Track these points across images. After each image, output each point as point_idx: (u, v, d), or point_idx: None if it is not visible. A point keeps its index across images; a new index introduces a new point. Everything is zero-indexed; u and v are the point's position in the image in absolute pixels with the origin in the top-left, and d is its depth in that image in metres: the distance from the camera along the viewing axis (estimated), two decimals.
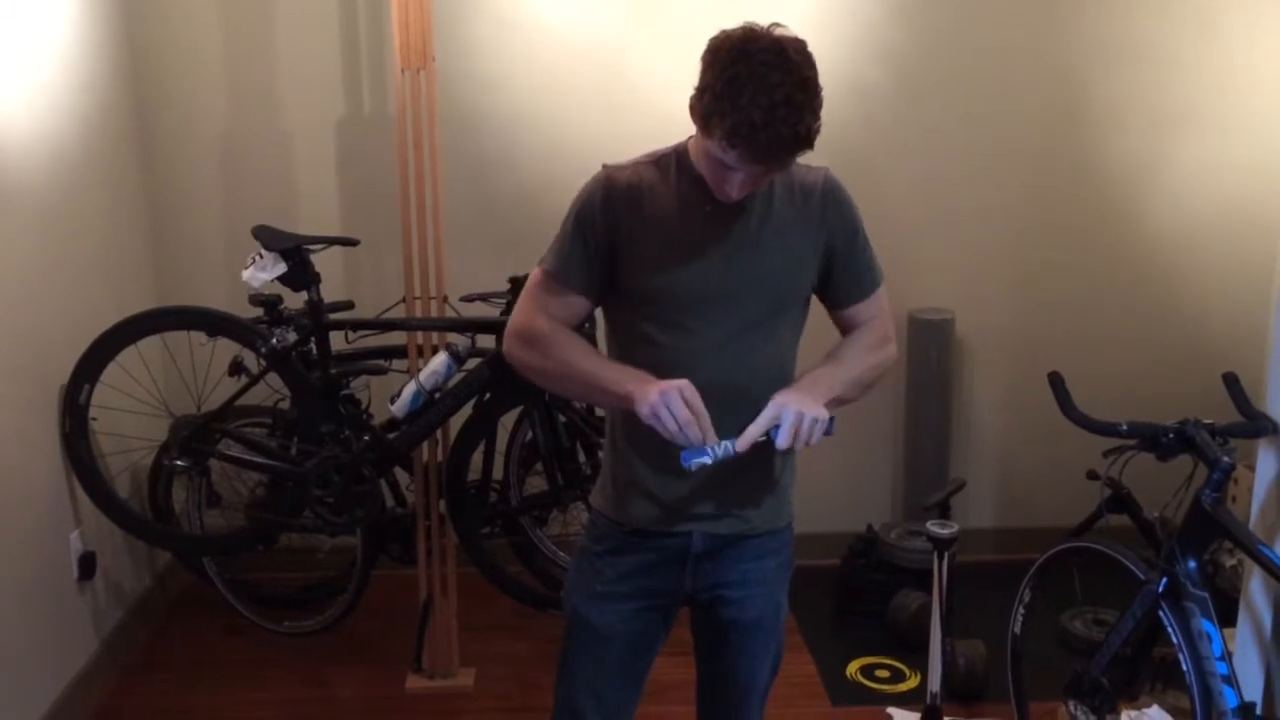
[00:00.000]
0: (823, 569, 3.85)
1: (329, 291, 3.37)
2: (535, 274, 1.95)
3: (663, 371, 1.89)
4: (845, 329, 2.03)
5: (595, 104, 3.72)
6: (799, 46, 1.72)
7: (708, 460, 1.79)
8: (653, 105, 3.60)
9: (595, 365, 1.89)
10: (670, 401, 1.75)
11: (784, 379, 1.97)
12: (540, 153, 3.74)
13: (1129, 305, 4.02)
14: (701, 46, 1.76)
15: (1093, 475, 3.72)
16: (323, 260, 3.24)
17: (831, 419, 1.83)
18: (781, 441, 1.80)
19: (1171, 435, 2.45)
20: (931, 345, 3.87)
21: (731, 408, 1.88)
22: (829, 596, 3.80)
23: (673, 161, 1.90)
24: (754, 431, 1.81)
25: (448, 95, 3.52)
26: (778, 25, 1.74)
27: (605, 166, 1.92)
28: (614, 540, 2.01)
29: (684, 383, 1.78)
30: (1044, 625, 3.32)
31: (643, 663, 2.07)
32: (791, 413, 1.79)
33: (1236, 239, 3.97)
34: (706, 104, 1.71)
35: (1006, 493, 4.17)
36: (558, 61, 3.70)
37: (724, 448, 1.81)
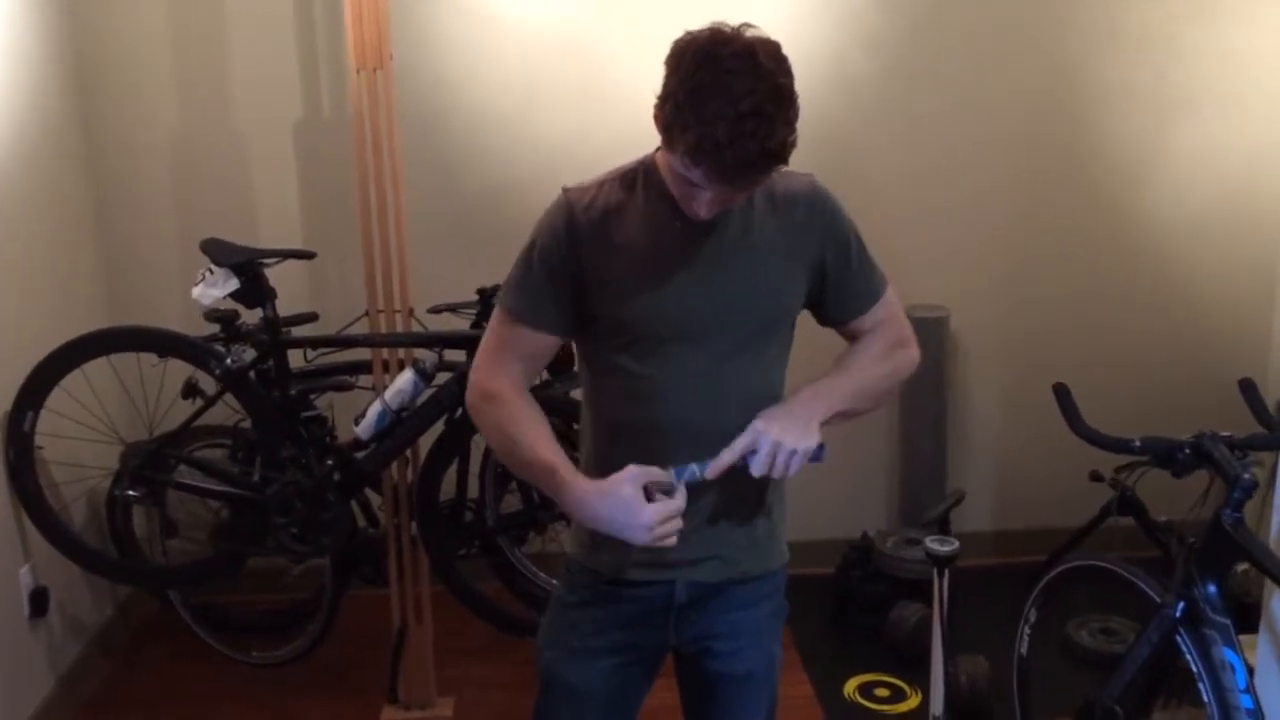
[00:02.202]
0: (816, 578, 3.70)
1: (292, 303, 3.20)
2: (497, 315, 1.78)
3: (640, 403, 1.74)
4: (852, 338, 1.86)
5: (565, 99, 3.53)
6: (772, 50, 1.53)
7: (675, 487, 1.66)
8: (625, 99, 3.41)
9: (531, 455, 1.71)
10: (654, 521, 1.62)
11: (771, 405, 1.80)
12: (508, 150, 3.55)
13: (1129, 296, 3.86)
14: (677, 36, 1.59)
15: (1095, 476, 3.58)
16: (285, 270, 3.07)
17: (821, 446, 1.69)
18: (755, 469, 1.66)
19: (1188, 450, 2.29)
20: (926, 344, 3.66)
21: (714, 440, 1.71)
22: (823, 607, 3.64)
23: (639, 176, 1.72)
24: (726, 458, 1.67)
25: (409, 93, 3.33)
26: (749, 26, 1.55)
27: (565, 190, 1.74)
28: (590, 591, 1.84)
29: (633, 476, 1.63)
30: (1048, 635, 3.17)
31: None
32: (768, 441, 1.64)
33: (1239, 227, 3.82)
34: (668, 115, 1.53)
35: (1006, 494, 4.01)
36: (525, 55, 3.50)
37: (689, 472, 1.67)
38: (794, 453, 1.65)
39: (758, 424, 1.66)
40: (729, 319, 1.72)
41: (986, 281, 3.82)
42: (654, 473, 1.65)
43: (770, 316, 1.76)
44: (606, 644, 1.83)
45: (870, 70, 3.61)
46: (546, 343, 1.76)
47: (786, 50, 1.55)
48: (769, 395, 1.79)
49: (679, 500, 1.64)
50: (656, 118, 1.58)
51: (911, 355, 1.87)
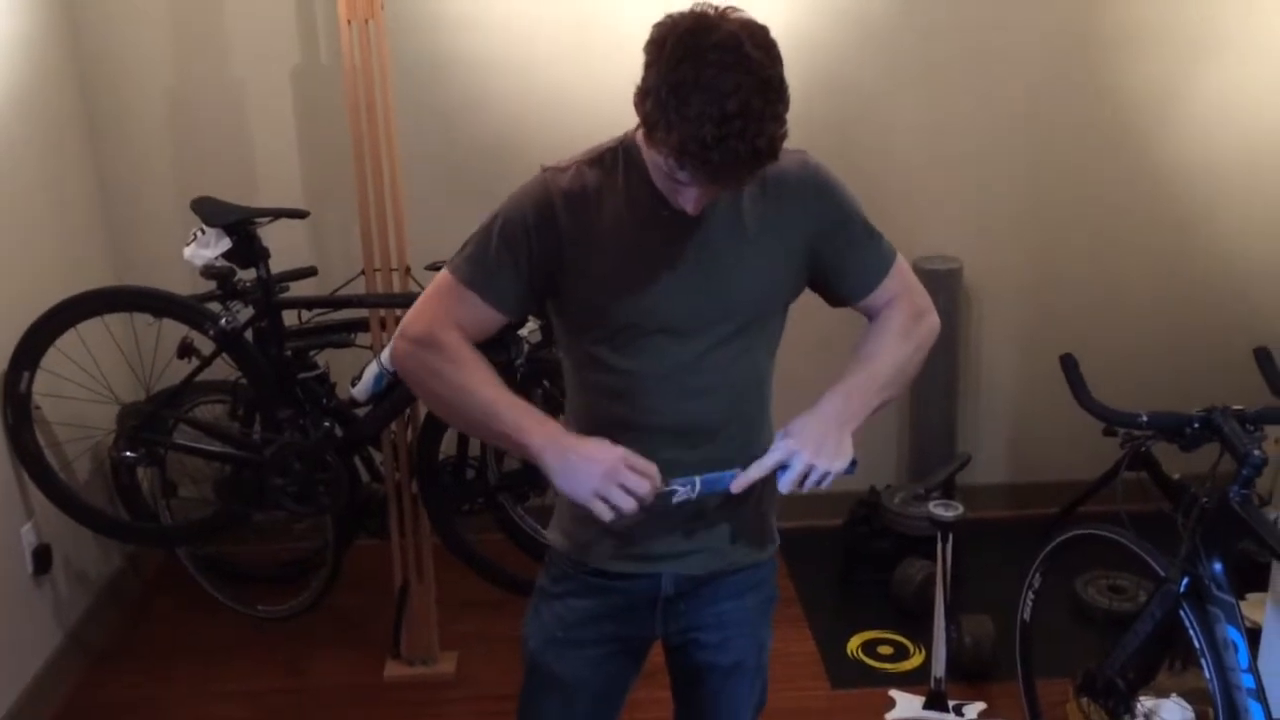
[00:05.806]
0: (825, 531, 3.67)
1: (292, 257, 3.15)
2: (446, 279, 1.67)
3: (621, 398, 1.68)
4: (868, 315, 1.77)
5: (568, 41, 3.41)
6: (760, 37, 1.43)
7: (690, 493, 1.61)
8: (634, 39, 3.27)
9: (495, 404, 1.63)
10: (622, 485, 1.56)
11: (761, 397, 1.75)
12: (512, 99, 3.45)
13: (1147, 245, 3.75)
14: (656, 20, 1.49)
15: (1110, 431, 3.51)
16: (286, 224, 3.01)
17: (854, 462, 1.64)
18: (784, 487, 1.62)
19: (1197, 425, 2.23)
20: (938, 296, 3.57)
21: (699, 437, 1.67)
22: (830, 563, 3.62)
23: (619, 157, 1.63)
24: (755, 474, 1.62)
25: (404, 41, 3.24)
26: (734, 9, 1.45)
27: (544, 169, 1.65)
28: (574, 582, 1.80)
29: (620, 454, 1.57)
30: (1053, 600, 3.15)
31: (614, 707, 1.89)
32: (802, 462, 1.59)
33: (1263, 171, 3.69)
34: (650, 110, 1.44)
35: (1020, 447, 3.95)
36: None
37: (707, 483, 1.61)
38: (827, 473, 1.60)
39: (791, 443, 1.60)
40: (717, 311, 1.64)
41: (1000, 231, 3.71)
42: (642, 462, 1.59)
43: (761, 307, 1.68)
44: (592, 635, 1.80)
45: (884, 14, 3.46)
46: (492, 320, 1.67)
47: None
48: (757, 385, 1.74)
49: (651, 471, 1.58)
50: (637, 108, 1.49)
51: (933, 324, 1.77)
